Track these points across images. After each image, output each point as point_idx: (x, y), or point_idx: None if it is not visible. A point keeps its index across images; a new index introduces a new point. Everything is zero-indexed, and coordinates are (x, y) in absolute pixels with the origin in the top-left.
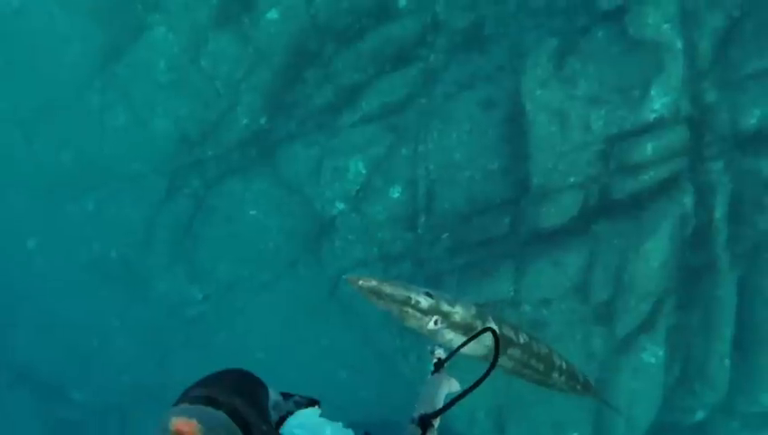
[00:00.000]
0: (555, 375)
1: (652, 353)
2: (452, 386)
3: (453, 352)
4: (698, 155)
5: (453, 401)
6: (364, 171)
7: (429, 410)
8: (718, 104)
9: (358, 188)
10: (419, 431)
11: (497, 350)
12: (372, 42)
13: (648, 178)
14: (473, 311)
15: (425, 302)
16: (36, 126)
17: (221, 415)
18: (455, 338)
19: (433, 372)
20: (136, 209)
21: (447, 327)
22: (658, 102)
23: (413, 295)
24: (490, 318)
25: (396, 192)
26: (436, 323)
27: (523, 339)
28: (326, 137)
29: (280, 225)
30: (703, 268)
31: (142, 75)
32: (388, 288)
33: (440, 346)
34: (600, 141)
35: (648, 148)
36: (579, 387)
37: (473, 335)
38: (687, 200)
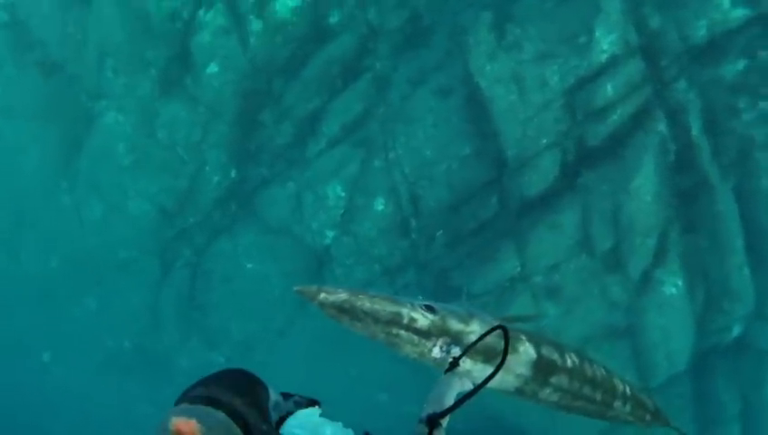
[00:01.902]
0: (618, 405)
1: (672, 285)
2: (464, 386)
3: (465, 351)
4: (660, 81)
5: (460, 401)
6: (343, 193)
7: (438, 409)
8: (664, 26)
9: (342, 211)
10: (427, 431)
11: (506, 346)
12: (316, 67)
13: (617, 117)
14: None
15: (423, 319)
16: (17, 240)
17: (221, 415)
18: (475, 369)
19: (446, 371)
20: (137, 295)
21: (461, 353)
22: (606, 42)
23: (405, 311)
24: (522, 337)
25: (380, 205)
26: (443, 348)
27: (571, 362)
28: (298, 171)
29: (278, 269)
30: (696, 188)
31: (105, 163)
32: (365, 303)
33: (456, 345)
34: (560, 96)
35: (609, 88)
36: (648, 417)
37: (483, 334)
38: (662, 127)
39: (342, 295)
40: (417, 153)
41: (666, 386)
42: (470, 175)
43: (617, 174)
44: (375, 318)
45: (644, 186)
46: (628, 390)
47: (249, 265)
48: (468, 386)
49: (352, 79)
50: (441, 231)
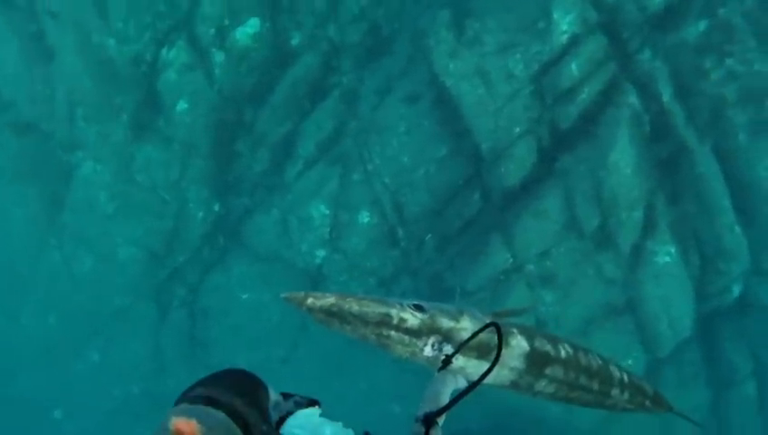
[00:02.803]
0: (616, 393)
1: (665, 254)
2: (458, 383)
3: (458, 349)
4: (624, 54)
5: (455, 399)
6: (327, 211)
7: (434, 408)
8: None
9: (328, 229)
10: (423, 430)
11: (500, 344)
12: (283, 90)
13: (586, 95)
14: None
15: (413, 319)
16: (14, 302)
17: (221, 415)
18: (468, 365)
19: (439, 370)
20: (138, 341)
21: (454, 351)
22: (564, 23)
23: (394, 312)
24: (514, 330)
25: (365, 217)
26: (434, 346)
27: (565, 352)
28: (280, 196)
29: (274, 296)
30: (675, 155)
31: (89, 214)
32: (353, 306)
33: (448, 343)
34: (527, 84)
35: (573, 68)
36: (648, 402)
37: (477, 331)
38: (632, 99)
39: (330, 299)
40: (395, 161)
41: (675, 355)
42: (449, 175)
43: (593, 152)
44: (364, 320)
45: (622, 159)
46: (625, 377)
47: (245, 296)
48: (463, 383)
49: (320, 97)
50: (429, 235)
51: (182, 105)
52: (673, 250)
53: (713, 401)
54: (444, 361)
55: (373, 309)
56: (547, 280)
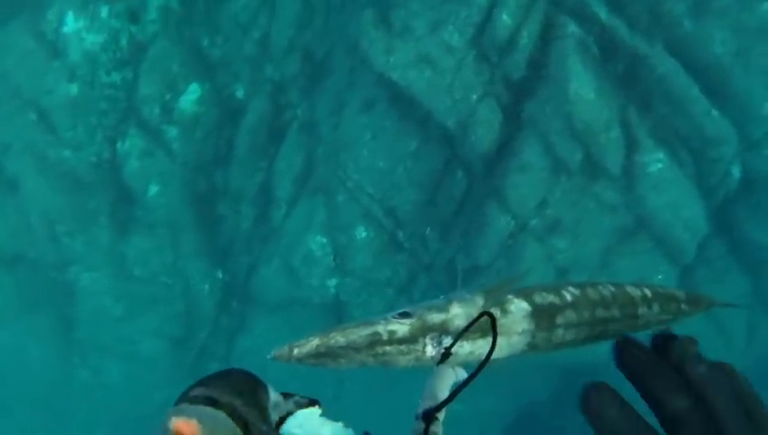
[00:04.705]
0: (643, 311)
1: (656, 161)
2: (458, 376)
3: (455, 341)
4: None
5: (455, 392)
6: (325, 240)
7: (433, 404)
8: None
9: (332, 257)
10: (423, 426)
11: (495, 334)
12: (244, 143)
13: (527, 39)
14: (480, 302)
15: (402, 327)
16: (62, 430)
17: (221, 415)
18: (475, 348)
19: (438, 363)
20: None
21: (451, 343)
22: None
23: (381, 328)
24: (509, 296)
25: (362, 233)
26: (434, 344)
27: (570, 295)
28: (275, 243)
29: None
30: (631, 65)
31: (101, 323)
32: (339, 339)
33: (446, 335)
34: (468, 50)
35: (506, 18)
36: (684, 306)
37: (470, 323)
38: (573, 29)
39: (314, 341)
40: (372, 170)
41: (701, 256)
42: (427, 164)
43: (553, 90)
44: (355, 348)
45: (582, 88)
46: (647, 292)
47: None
48: (463, 375)
49: (281, 137)
50: (429, 228)
51: (153, 189)
52: (662, 155)
53: (753, 284)
54: (443, 354)
55: (359, 333)
56: (553, 228)
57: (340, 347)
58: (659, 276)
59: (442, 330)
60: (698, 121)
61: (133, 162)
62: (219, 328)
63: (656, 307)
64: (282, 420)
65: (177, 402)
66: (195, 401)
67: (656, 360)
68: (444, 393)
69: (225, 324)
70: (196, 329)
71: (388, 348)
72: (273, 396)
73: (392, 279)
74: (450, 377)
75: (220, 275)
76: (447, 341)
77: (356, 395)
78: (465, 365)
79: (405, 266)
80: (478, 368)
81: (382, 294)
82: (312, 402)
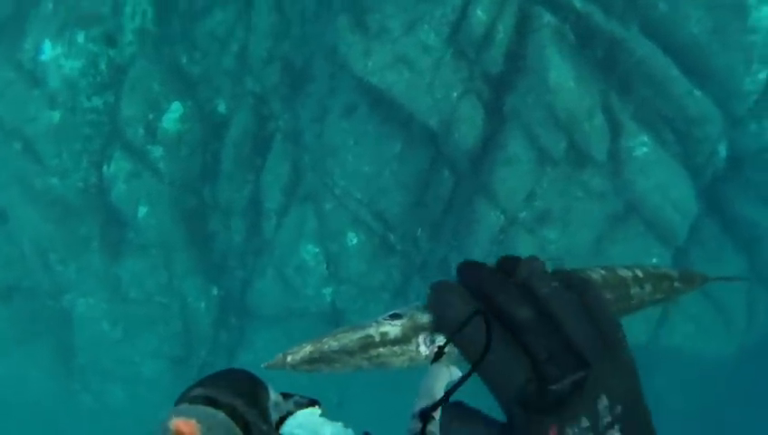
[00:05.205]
0: (636, 291)
1: (641, 145)
2: (452, 374)
3: (449, 339)
4: None
5: (450, 390)
6: (317, 249)
7: (430, 402)
8: None
9: (325, 265)
10: (420, 425)
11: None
12: (229, 157)
13: (503, 34)
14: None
15: (393, 328)
16: None
17: (221, 415)
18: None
19: (432, 362)
20: None
21: (444, 343)
22: None
23: (372, 330)
24: None
25: (353, 239)
26: (427, 344)
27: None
28: (268, 255)
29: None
30: (609, 50)
31: (101, 348)
32: (332, 343)
33: (440, 334)
34: (445, 48)
35: (480, 14)
36: (678, 284)
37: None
38: (548, 18)
39: (307, 348)
40: (358, 176)
41: (693, 237)
42: (413, 165)
43: (533, 81)
44: (349, 352)
45: (561, 76)
46: (638, 272)
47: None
48: (457, 374)
49: (266, 148)
50: (419, 229)
51: (142, 210)
52: (646, 138)
53: (748, 261)
54: (436, 353)
55: (351, 337)
56: (543, 219)
57: (334, 352)
58: (653, 260)
59: (433, 329)
60: (681, 102)
61: (120, 185)
62: (219, 344)
63: (648, 287)
64: (282, 420)
65: (177, 402)
66: (194, 401)
67: (499, 276)
68: (440, 392)
69: (224, 340)
70: (195, 347)
71: (381, 350)
72: (273, 396)
73: (386, 283)
74: (445, 375)
75: (215, 291)
76: (440, 339)
77: (360, 400)
78: (461, 362)
79: (398, 269)
80: (473, 366)
81: (378, 298)
82: (312, 402)
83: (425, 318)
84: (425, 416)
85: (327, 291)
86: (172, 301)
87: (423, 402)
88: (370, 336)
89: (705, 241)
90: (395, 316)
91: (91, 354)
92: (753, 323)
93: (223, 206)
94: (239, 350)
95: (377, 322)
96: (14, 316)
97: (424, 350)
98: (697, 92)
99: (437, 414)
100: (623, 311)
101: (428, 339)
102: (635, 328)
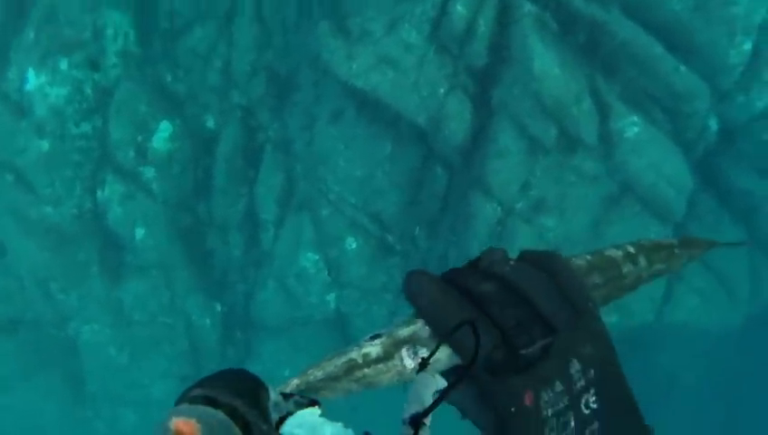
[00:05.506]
0: (629, 268)
1: (631, 125)
2: (438, 383)
3: (435, 350)
4: None
5: (440, 397)
6: (317, 256)
7: (419, 409)
8: None
9: (326, 271)
10: (412, 432)
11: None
12: (222, 172)
13: (484, 27)
14: None
15: (374, 348)
16: None
17: (221, 415)
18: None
19: (418, 372)
20: None
21: (430, 355)
22: None
23: (354, 354)
24: None
25: (352, 244)
26: (411, 357)
27: None
28: (268, 266)
29: (312, 360)
30: (591, 34)
31: (109, 373)
32: (316, 373)
33: (420, 345)
34: (428, 45)
35: (460, 9)
36: (678, 250)
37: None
38: (528, 8)
39: (294, 382)
40: (351, 180)
41: (691, 212)
42: (405, 164)
43: (517, 71)
44: (334, 378)
45: (545, 64)
46: (630, 249)
47: (286, 373)
48: (442, 383)
49: (258, 160)
50: (417, 227)
51: (139, 232)
52: (636, 118)
53: (747, 232)
54: (420, 364)
55: (335, 363)
56: (539, 208)
57: (321, 381)
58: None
59: (414, 341)
60: (667, 79)
61: (115, 208)
62: (226, 360)
63: (643, 261)
64: (282, 419)
65: (178, 402)
66: (194, 401)
67: (467, 267)
68: (429, 399)
69: (231, 355)
70: (203, 364)
71: (366, 371)
72: (274, 396)
73: (388, 285)
74: (432, 384)
75: (219, 307)
76: (423, 351)
77: (375, 403)
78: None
79: (399, 269)
80: (462, 373)
81: (381, 300)
82: (312, 402)
83: (403, 332)
84: (416, 422)
85: (330, 297)
86: (176, 320)
87: (413, 409)
88: (353, 359)
89: (702, 215)
90: (375, 337)
91: (101, 380)
92: (756, 292)
93: (219, 221)
94: (247, 363)
95: (358, 345)
96: (20, 349)
97: (409, 362)
98: (683, 68)
99: (428, 420)
100: (619, 289)
101: (411, 351)
102: (640, 307)
